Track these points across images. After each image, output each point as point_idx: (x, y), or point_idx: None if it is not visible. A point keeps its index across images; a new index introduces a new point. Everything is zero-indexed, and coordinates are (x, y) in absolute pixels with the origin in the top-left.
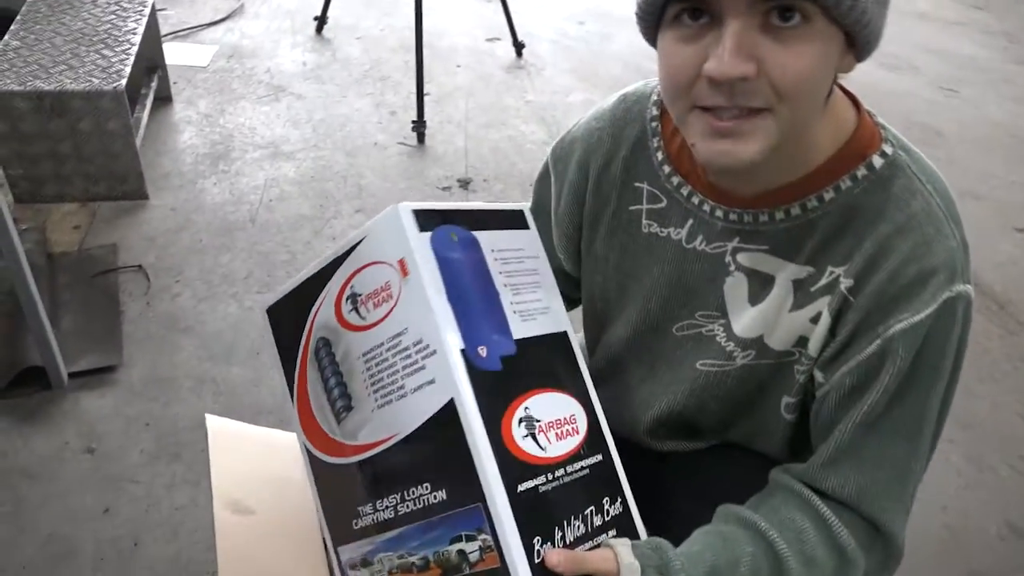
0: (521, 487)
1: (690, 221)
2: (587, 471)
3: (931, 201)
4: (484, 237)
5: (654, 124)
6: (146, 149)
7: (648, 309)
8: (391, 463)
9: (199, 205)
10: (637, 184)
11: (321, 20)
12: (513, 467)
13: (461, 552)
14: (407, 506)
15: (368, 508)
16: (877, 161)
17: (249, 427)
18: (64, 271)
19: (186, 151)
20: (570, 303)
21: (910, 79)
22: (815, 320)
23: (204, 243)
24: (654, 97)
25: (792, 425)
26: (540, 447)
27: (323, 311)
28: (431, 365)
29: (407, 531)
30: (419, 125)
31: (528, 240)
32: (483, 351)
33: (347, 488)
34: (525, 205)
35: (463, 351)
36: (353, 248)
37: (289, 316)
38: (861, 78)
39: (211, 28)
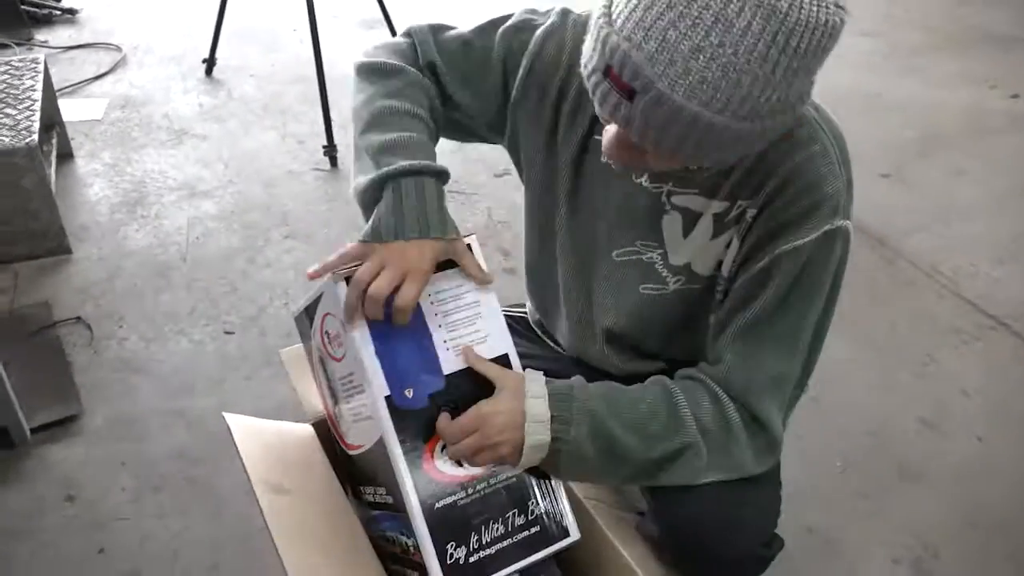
0: (439, 504)
1: None
2: (512, 478)
3: (827, 145)
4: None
5: None
6: (58, 205)
7: (595, 231)
8: (365, 465)
9: (126, 252)
10: None
11: (210, 62)
12: (432, 488)
13: (405, 542)
14: (378, 498)
15: (367, 489)
16: None
17: (264, 421)
18: None
19: (100, 202)
20: (470, 137)
21: None
22: (728, 246)
23: (140, 286)
24: None
25: None
26: (461, 465)
27: (315, 337)
28: (369, 404)
29: (380, 515)
30: (330, 149)
31: None
32: (410, 393)
33: (348, 466)
34: (473, 237)
35: (388, 397)
36: (318, 299)
37: (304, 326)
38: None
39: (97, 82)
